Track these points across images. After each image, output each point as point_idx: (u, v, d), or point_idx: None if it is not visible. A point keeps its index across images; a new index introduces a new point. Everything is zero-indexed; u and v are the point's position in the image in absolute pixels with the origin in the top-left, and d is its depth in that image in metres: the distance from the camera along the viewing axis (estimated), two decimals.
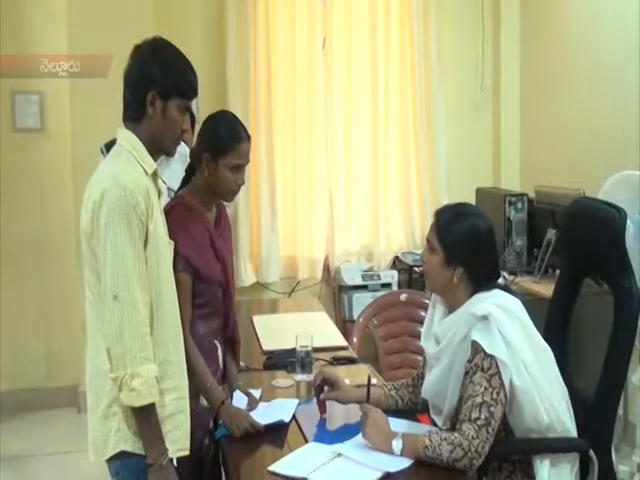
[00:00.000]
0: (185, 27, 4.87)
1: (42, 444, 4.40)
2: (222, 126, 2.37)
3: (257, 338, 3.27)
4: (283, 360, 2.91)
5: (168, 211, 2.24)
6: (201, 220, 2.39)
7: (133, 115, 2.03)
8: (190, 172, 2.46)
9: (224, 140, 2.34)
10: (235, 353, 2.60)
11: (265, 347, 3.13)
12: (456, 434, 2.10)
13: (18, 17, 4.73)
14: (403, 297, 3.91)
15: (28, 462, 4.23)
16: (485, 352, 2.16)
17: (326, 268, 5.25)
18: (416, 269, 4.93)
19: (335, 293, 5.24)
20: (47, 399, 4.86)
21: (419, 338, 2.54)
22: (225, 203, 4.07)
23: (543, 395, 2.20)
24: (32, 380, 4.91)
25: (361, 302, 4.62)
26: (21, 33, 4.75)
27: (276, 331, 3.38)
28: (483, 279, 2.30)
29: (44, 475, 4.10)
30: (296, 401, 2.53)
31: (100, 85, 4.15)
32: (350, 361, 3.02)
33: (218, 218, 2.49)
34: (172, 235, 2.13)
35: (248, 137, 2.40)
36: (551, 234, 4.14)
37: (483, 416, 2.11)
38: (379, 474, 2.03)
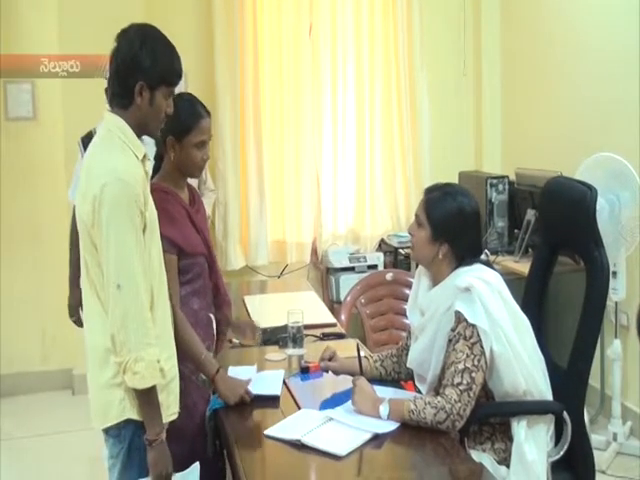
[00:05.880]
0: (173, 14, 4.89)
1: (38, 426, 4.47)
2: (181, 108, 2.41)
3: (249, 316, 3.35)
4: (275, 336, 3.03)
5: None
6: (177, 199, 2.50)
7: (121, 102, 2.09)
8: (159, 160, 2.55)
9: (185, 121, 2.43)
10: (225, 312, 2.70)
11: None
12: (439, 398, 2.22)
13: (9, 14, 4.74)
14: (389, 276, 4.02)
15: (24, 443, 4.30)
16: (467, 321, 2.28)
17: (314, 252, 5.33)
18: (401, 251, 5.04)
19: (323, 275, 5.33)
20: (42, 382, 4.93)
21: (404, 315, 2.65)
22: (211, 189, 4.22)
23: (521, 362, 2.33)
24: (27, 363, 4.96)
25: (348, 284, 4.66)
26: (12, 30, 4.76)
27: (268, 309, 3.48)
28: (466, 256, 2.42)
29: (40, 455, 4.17)
30: (282, 372, 2.64)
31: None
32: (339, 336, 3.15)
33: (192, 197, 2.61)
34: None
35: (208, 113, 2.51)
36: (531, 215, 4.22)
37: (465, 381, 2.23)
38: (368, 435, 2.15)
